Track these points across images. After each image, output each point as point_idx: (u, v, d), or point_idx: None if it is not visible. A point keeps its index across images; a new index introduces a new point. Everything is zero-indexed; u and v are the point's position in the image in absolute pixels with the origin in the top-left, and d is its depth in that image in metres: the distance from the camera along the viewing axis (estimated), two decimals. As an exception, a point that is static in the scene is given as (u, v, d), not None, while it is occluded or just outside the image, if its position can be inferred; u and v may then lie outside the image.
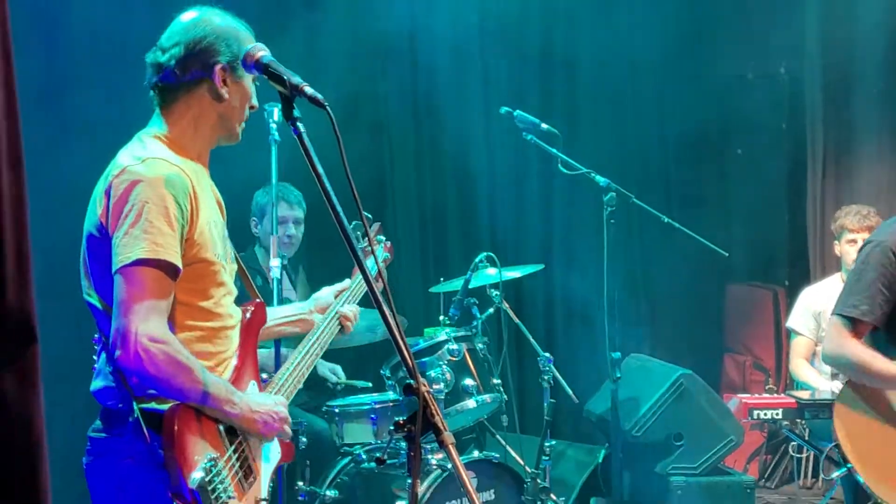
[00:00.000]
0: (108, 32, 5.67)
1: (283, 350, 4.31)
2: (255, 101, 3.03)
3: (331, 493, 4.76)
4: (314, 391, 5.72)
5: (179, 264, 2.72)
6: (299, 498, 4.82)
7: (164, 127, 2.91)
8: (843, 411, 4.20)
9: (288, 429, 3.03)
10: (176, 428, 2.66)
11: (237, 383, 2.95)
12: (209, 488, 2.67)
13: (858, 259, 4.34)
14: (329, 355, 5.84)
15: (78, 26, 5.67)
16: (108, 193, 2.73)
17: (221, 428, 2.83)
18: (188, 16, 2.93)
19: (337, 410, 4.99)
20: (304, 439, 4.88)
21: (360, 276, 3.61)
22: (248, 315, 3.12)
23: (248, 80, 2.96)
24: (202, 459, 2.70)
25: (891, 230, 4.23)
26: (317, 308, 3.58)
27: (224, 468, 2.77)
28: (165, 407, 2.70)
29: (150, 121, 2.95)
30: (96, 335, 2.86)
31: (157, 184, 2.70)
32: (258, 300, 3.20)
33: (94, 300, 2.81)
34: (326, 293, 3.62)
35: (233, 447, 2.86)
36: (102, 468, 2.80)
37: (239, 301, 3.11)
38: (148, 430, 2.68)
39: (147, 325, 2.63)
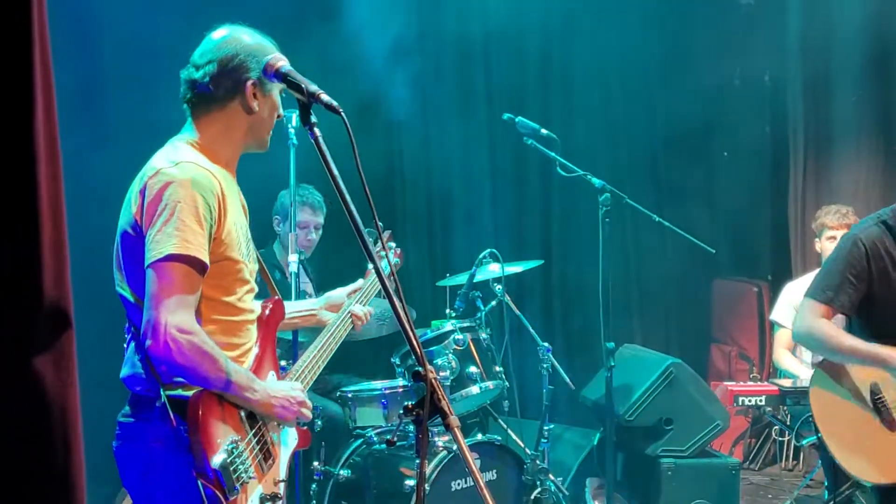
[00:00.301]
0: (143, 37, 5.68)
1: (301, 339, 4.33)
2: (281, 111, 3.04)
3: (344, 472, 4.78)
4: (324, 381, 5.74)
5: (207, 261, 2.74)
6: (315, 477, 4.84)
7: (195, 134, 2.93)
8: (815, 392, 4.22)
9: (307, 412, 3.06)
10: (200, 413, 2.69)
11: (257, 372, 2.98)
12: (231, 468, 2.71)
13: (834, 250, 4.35)
14: (344, 345, 5.89)
15: (114, 30, 5.70)
16: (142, 193, 2.75)
17: (243, 414, 2.87)
18: (219, 34, 2.94)
19: (350, 395, 5.01)
20: (319, 422, 4.90)
21: (372, 278, 3.71)
22: (267, 311, 3.15)
23: (276, 92, 2.98)
24: (225, 442, 2.73)
25: (864, 225, 4.25)
26: (328, 305, 3.65)
27: (245, 450, 2.80)
28: (190, 393, 2.73)
29: (182, 128, 2.97)
30: (126, 325, 2.89)
31: (189, 185, 2.73)
32: (277, 297, 3.23)
33: (126, 293, 2.83)
34: (339, 293, 3.68)
35: (253, 431, 2.89)
36: (131, 451, 2.83)
37: (258, 297, 3.14)
38: (174, 415, 2.71)
39: (175, 316, 2.66)
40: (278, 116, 3.04)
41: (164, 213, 2.69)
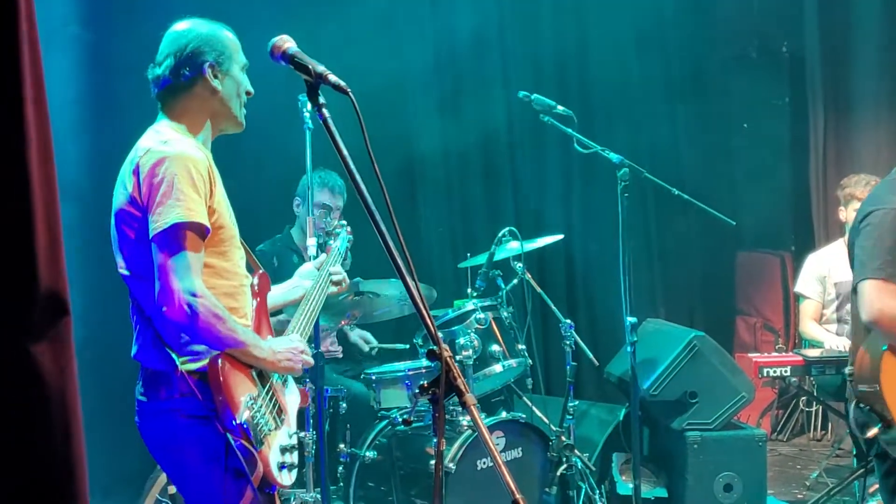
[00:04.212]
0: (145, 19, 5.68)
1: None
2: (249, 88, 3.24)
3: (370, 454, 4.76)
4: (350, 361, 5.73)
5: (209, 224, 2.90)
6: (341, 459, 4.83)
7: (171, 121, 3.09)
8: (890, 363, 3.84)
9: (308, 357, 3.24)
10: (221, 377, 2.84)
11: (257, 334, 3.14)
12: (254, 423, 2.86)
13: (868, 224, 4.11)
14: (369, 327, 5.88)
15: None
16: (136, 173, 2.90)
17: (253, 372, 3.02)
18: (175, 28, 3.16)
19: (374, 377, 4.99)
20: (345, 405, 4.89)
21: (332, 254, 3.94)
22: (256, 280, 3.29)
23: (237, 70, 3.17)
24: (245, 399, 2.87)
25: (890, 195, 4.05)
26: (301, 279, 3.78)
27: (262, 405, 2.96)
28: (205, 362, 2.88)
29: (156, 119, 3.12)
30: (131, 305, 3.03)
31: (182, 158, 2.88)
32: (261, 271, 3.38)
33: (130, 273, 2.96)
34: (308, 267, 3.82)
35: (265, 388, 3.05)
36: (154, 426, 2.97)
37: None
38: (194, 384, 2.86)
39: (186, 281, 2.82)
40: (248, 94, 3.22)
41: (162, 187, 2.84)
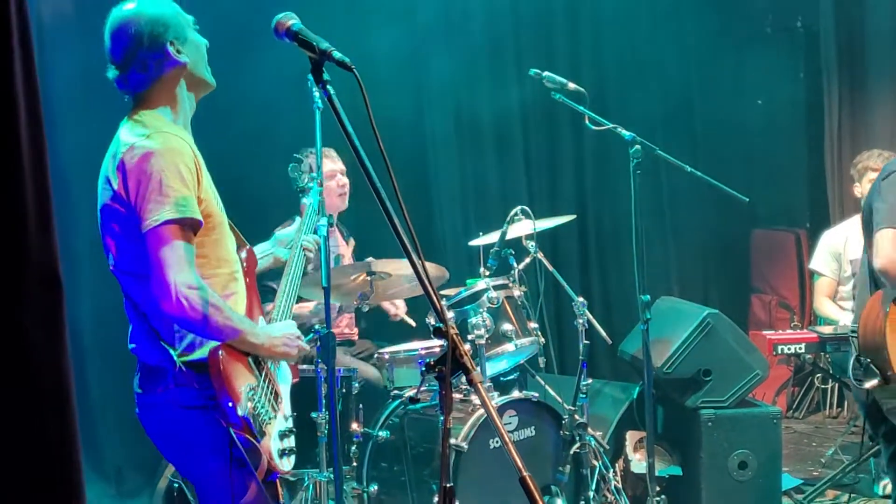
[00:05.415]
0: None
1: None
2: (205, 41, 3.13)
3: (383, 433, 4.75)
4: (366, 342, 5.72)
5: (200, 218, 2.87)
6: (354, 439, 4.82)
7: (150, 108, 2.99)
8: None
9: (304, 343, 3.21)
10: (221, 368, 2.83)
11: (249, 317, 3.10)
12: (254, 413, 2.86)
13: (891, 175, 4.01)
14: (379, 308, 5.86)
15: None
16: (121, 170, 2.85)
17: (250, 360, 3.01)
18: (120, 19, 2.98)
19: (387, 356, 4.99)
20: (357, 385, 4.88)
21: (307, 214, 3.96)
22: (244, 255, 3.26)
23: (191, 31, 3.07)
24: (246, 390, 2.87)
25: None
26: (280, 244, 3.81)
27: (261, 394, 2.96)
28: (204, 354, 2.86)
29: (132, 109, 3.02)
30: (125, 301, 3.01)
31: (168, 153, 2.83)
32: (248, 246, 3.34)
33: (121, 270, 2.93)
34: (288, 230, 3.89)
35: (262, 375, 3.04)
36: (151, 418, 2.98)
37: None
38: (194, 377, 2.85)
39: (182, 275, 2.78)
40: (206, 48, 3.12)
41: (150, 184, 2.80)
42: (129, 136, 2.90)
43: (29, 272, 1.33)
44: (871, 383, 3.93)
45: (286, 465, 3.05)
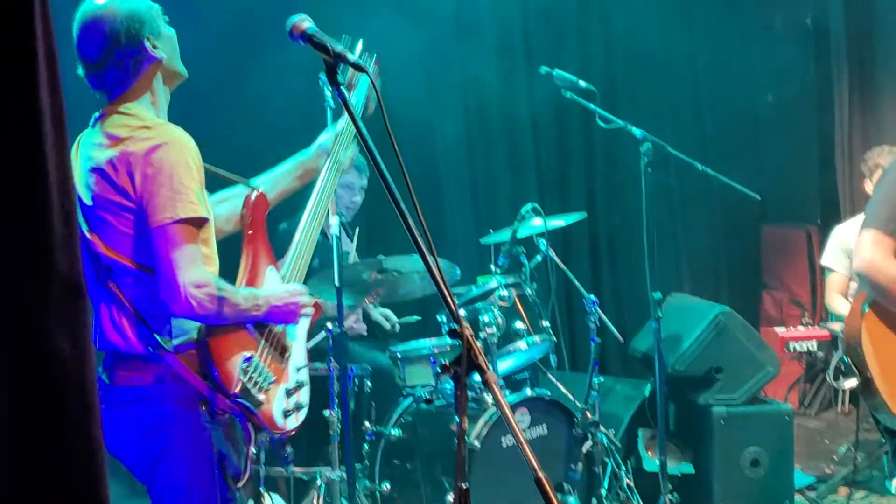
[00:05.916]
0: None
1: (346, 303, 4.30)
2: (173, 32, 3.03)
3: (395, 432, 4.76)
4: (374, 339, 5.73)
5: (208, 216, 2.85)
6: (366, 437, 4.83)
7: (132, 104, 2.91)
8: (869, 328, 3.80)
9: (308, 299, 3.11)
10: (212, 356, 2.79)
11: (255, 276, 3.04)
12: (249, 385, 2.81)
13: (886, 175, 3.99)
14: (393, 305, 5.87)
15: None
16: (122, 160, 2.76)
17: (249, 326, 2.94)
18: (97, 24, 2.86)
19: (399, 355, 4.98)
20: (369, 383, 4.89)
21: (342, 124, 3.53)
22: (252, 197, 3.15)
23: (161, 22, 2.97)
24: (239, 362, 2.82)
25: None
26: (318, 154, 3.46)
27: (260, 361, 2.90)
28: (193, 337, 2.83)
29: (109, 107, 2.93)
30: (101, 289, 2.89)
31: (176, 146, 2.78)
32: (257, 191, 3.19)
33: (112, 262, 2.81)
34: (326, 138, 3.49)
35: (264, 337, 2.98)
36: (129, 413, 2.86)
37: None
38: (180, 367, 2.78)
39: (190, 274, 2.74)
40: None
41: (159, 177, 2.73)
42: (121, 127, 2.83)
43: (54, 286, 1.34)
44: (849, 383, 3.94)
45: (291, 423, 2.99)
